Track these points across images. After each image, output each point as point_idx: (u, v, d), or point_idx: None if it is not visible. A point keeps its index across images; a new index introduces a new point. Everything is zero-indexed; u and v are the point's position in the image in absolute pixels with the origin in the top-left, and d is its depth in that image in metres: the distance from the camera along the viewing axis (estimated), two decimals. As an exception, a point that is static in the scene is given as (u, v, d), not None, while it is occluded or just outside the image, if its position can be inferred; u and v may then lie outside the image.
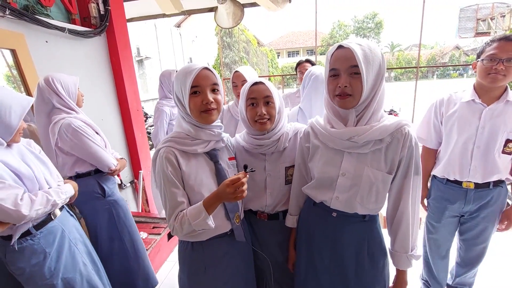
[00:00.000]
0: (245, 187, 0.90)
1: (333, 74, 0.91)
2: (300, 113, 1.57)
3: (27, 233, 1.13)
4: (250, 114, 1.07)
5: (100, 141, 1.59)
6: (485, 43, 1.33)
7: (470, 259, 1.55)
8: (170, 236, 2.37)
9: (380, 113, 0.94)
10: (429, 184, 1.62)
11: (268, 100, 1.06)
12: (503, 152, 1.32)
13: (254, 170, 0.98)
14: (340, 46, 0.89)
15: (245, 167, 0.92)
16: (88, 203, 1.54)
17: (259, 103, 1.05)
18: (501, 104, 1.31)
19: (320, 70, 1.51)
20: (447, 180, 1.48)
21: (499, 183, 1.40)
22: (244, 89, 1.08)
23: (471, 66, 1.44)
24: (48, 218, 1.20)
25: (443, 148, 1.49)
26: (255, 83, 1.06)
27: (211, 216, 0.95)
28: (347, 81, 0.87)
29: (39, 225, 1.17)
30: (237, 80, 1.66)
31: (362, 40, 0.87)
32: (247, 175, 0.92)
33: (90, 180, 1.52)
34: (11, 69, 1.86)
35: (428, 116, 1.53)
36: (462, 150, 1.39)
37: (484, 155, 1.35)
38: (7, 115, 1.05)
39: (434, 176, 1.56)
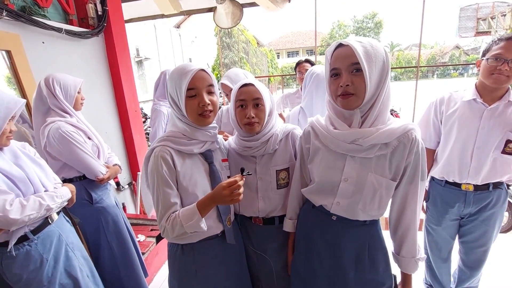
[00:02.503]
0: (241, 190, 0.88)
1: (334, 73, 0.86)
2: (302, 113, 1.56)
3: (24, 238, 1.11)
4: (239, 116, 1.05)
5: (91, 147, 1.54)
6: (492, 41, 1.30)
7: (472, 262, 1.52)
8: (158, 239, 2.31)
9: (387, 115, 0.89)
10: (427, 186, 1.58)
11: (257, 103, 1.03)
12: (504, 152, 1.30)
13: (251, 173, 0.95)
14: (339, 45, 0.85)
15: (242, 170, 0.90)
16: (75, 210, 1.47)
17: (248, 105, 1.03)
18: (502, 104, 1.29)
19: (321, 68, 1.49)
20: (446, 182, 1.45)
21: (498, 185, 1.38)
22: (234, 90, 1.06)
23: (473, 65, 1.42)
24: (45, 222, 1.18)
25: (442, 148, 1.46)
26: (245, 85, 1.03)
27: (203, 218, 0.93)
28: (349, 80, 0.82)
29: (36, 230, 1.14)
30: (226, 90, 1.68)
31: (363, 38, 0.83)
32: (244, 178, 0.90)
33: (77, 186, 1.44)
34: (10, 71, 1.84)
35: (427, 115, 1.51)
36: (461, 150, 1.36)
37: (484, 156, 1.32)
38: None
39: (432, 178, 1.53)
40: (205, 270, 1.06)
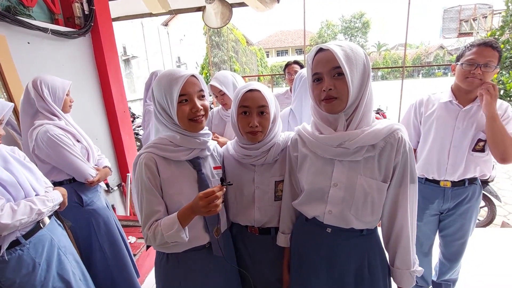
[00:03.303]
0: (219, 201, 0.85)
1: (316, 78, 0.86)
2: (291, 115, 1.59)
3: (16, 243, 1.10)
4: (241, 124, 1.01)
5: (80, 149, 1.53)
6: (465, 46, 1.39)
7: (451, 255, 1.61)
8: (148, 246, 2.31)
9: (371, 117, 0.89)
10: None
11: (262, 110, 0.98)
12: (474, 150, 1.40)
13: (231, 184, 0.92)
14: (320, 49, 0.85)
15: (222, 180, 0.88)
16: (66, 213, 1.46)
17: (252, 113, 0.98)
18: (476, 106, 1.38)
19: None
20: (426, 179, 1.54)
21: (473, 180, 1.47)
22: (238, 94, 1.00)
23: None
24: (37, 226, 1.17)
25: (421, 146, 1.54)
26: (250, 90, 0.98)
27: (186, 228, 0.90)
28: (331, 84, 0.82)
29: (28, 234, 1.14)
30: (215, 92, 1.68)
31: (342, 41, 0.84)
32: (224, 189, 0.87)
33: (67, 188, 1.44)
34: None
35: (407, 116, 1.59)
36: (439, 149, 1.45)
37: (460, 154, 1.41)
38: None
39: None
40: (190, 282, 1.03)
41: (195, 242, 1.01)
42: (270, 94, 1.01)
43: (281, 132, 1.11)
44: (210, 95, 1.88)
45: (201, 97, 0.98)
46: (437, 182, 1.50)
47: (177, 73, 0.93)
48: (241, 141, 1.07)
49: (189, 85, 0.94)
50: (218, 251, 1.03)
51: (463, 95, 1.41)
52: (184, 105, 0.94)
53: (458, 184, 1.46)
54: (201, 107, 0.96)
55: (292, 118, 1.57)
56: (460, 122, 1.39)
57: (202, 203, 0.83)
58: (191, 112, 0.94)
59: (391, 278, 0.98)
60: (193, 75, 0.96)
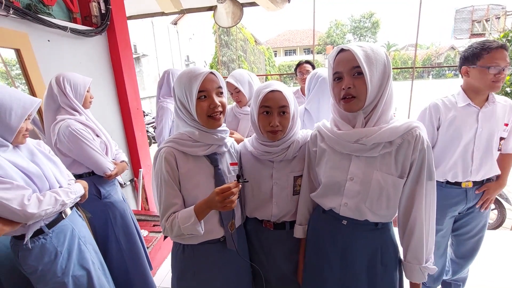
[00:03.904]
0: (234, 197, 0.87)
1: (337, 77, 0.90)
2: (307, 114, 1.61)
3: (40, 232, 1.16)
4: (262, 123, 1.03)
5: (99, 144, 1.59)
6: (476, 48, 1.35)
7: (466, 252, 1.61)
8: (166, 236, 2.37)
9: (389, 115, 0.91)
10: None
11: (283, 110, 1.01)
12: (498, 149, 1.42)
13: (247, 181, 0.96)
14: (341, 50, 0.88)
15: (238, 176, 0.90)
16: (84, 204, 1.52)
17: (273, 113, 1.01)
18: (491, 105, 1.39)
19: (326, 72, 1.54)
20: (447, 182, 1.52)
21: (489, 177, 1.49)
22: (259, 94, 1.02)
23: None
24: (60, 217, 1.23)
25: (443, 152, 1.51)
26: (272, 91, 1.00)
27: (202, 222, 0.94)
28: (350, 83, 0.85)
29: (51, 224, 1.19)
30: (230, 89, 1.71)
31: (364, 42, 0.87)
32: (239, 186, 0.89)
33: (86, 181, 1.49)
34: (7, 68, 1.86)
35: (421, 121, 1.53)
36: (463, 153, 1.44)
37: (483, 155, 1.42)
38: (7, 116, 1.05)
39: None
40: (204, 273, 1.07)
41: (210, 236, 1.04)
42: (290, 94, 1.04)
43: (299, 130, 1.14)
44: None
45: (220, 94, 1.01)
46: (458, 183, 1.50)
47: (197, 70, 0.97)
48: (261, 139, 1.10)
49: (208, 82, 0.97)
50: (232, 245, 1.07)
51: (476, 96, 1.41)
52: (202, 101, 0.97)
53: (478, 183, 1.48)
54: (219, 104, 0.99)
55: (308, 117, 1.59)
56: (482, 123, 1.40)
57: (218, 198, 0.86)
58: (209, 108, 0.97)
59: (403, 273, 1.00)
60: (212, 72, 0.99)
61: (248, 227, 1.22)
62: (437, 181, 1.55)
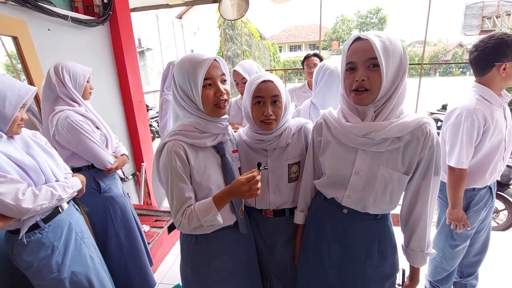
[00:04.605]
0: (259, 184, 0.89)
1: (350, 67, 0.85)
2: (313, 107, 1.55)
3: (35, 226, 1.11)
4: (256, 113, 1.03)
5: (99, 136, 1.54)
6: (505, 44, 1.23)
7: (482, 245, 1.57)
8: (170, 229, 2.34)
9: (400, 109, 0.87)
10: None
11: (275, 100, 1.01)
12: None
13: (267, 168, 0.96)
14: (357, 38, 0.83)
15: (259, 164, 0.91)
16: (83, 198, 1.46)
17: (266, 102, 1.00)
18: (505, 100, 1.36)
19: (334, 64, 1.48)
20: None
21: None
22: (251, 85, 1.02)
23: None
24: (56, 211, 1.18)
25: (487, 159, 1.36)
26: (264, 81, 1.00)
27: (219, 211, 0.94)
28: (365, 75, 0.81)
29: (47, 218, 1.15)
30: (237, 79, 1.66)
31: (381, 32, 0.82)
32: (260, 173, 0.90)
33: (85, 174, 1.45)
34: (11, 58, 1.81)
35: (469, 137, 1.29)
36: (498, 154, 1.36)
37: (509, 153, 1.38)
38: (1, 104, 1.00)
39: (473, 188, 1.42)
40: (218, 259, 1.08)
41: (224, 223, 1.03)
42: (281, 83, 1.04)
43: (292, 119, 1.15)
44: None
45: (224, 81, 0.98)
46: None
47: (200, 56, 0.92)
48: (254, 128, 1.09)
49: (213, 68, 0.93)
50: (244, 229, 1.10)
51: (499, 93, 1.33)
52: (208, 89, 0.93)
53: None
54: (225, 92, 0.96)
55: (314, 110, 1.53)
56: (509, 119, 1.35)
57: (245, 187, 0.87)
58: (215, 96, 0.94)
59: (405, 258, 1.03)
60: (215, 59, 0.95)
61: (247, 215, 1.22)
62: (475, 188, 1.43)
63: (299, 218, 1.14)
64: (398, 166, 0.88)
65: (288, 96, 1.08)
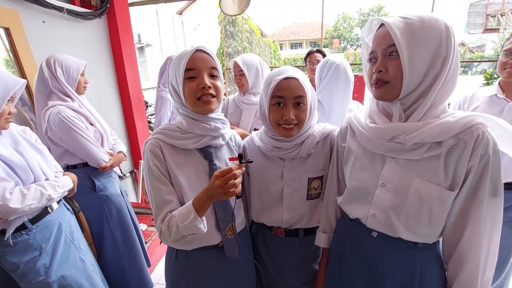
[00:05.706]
0: (237, 180, 0.74)
1: (372, 57, 0.72)
2: (318, 105, 1.48)
3: (22, 227, 1.05)
4: (274, 116, 0.87)
5: (93, 133, 1.47)
6: (507, 39, 1.32)
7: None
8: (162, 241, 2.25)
9: (442, 108, 0.70)
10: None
11: (299, 101, 0.85)
12: None
13: (252, 161, 0.82)
14: (381, 25, 0.70)
15: (240, 156, 0.76)
16: (78, 197, 1.42)
17: (287, 104, 0.85)
18: None
19: (340, 58, 1.42)
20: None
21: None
22: (270, 81, 0.87)
23: (477, 63, 1.38)
24: (45, 211, 1.12)
25: None
26: (286, 78, 0.84)
27: (204, 218, 0.80)
28: (382, 65, 0.68)
29: (35, 219, 1.09)
30: (235, 70, 1.58)
31: (416, 12, 0.67)
32: (243, 167, 0.76)
33: (80, 172, 1.40)
34: (9, 53, 1.75)
35: None
36: None
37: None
38: None
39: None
40: (199, 283, 0.94)
41: (205, 241, 0.91)
42: (307, 81, 0.88)
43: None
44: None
45: (213, 76, 0.85)
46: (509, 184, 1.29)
47: (188, 49, 0.84)
48: (271, 132, 0.95)
49: (198, 59, 0.82)
50: (231, 252, 0.93)
51: (510, 88, 1.30)
52: (191, 81, 0.83)
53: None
54: (210, 85, 0.83)
55: (319, 108, 1.46)
56: (506, 116, 1.26)
57: (219, 182, 0.72)
58: (198, 89, 0.82)
59: None
60: (202, 50, 0.85)
61: (254, 232, 1.10)
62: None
63: (321, 240, 0.96)
64: (439, 178, 0.69)
65: (315, 97, 0.93)
